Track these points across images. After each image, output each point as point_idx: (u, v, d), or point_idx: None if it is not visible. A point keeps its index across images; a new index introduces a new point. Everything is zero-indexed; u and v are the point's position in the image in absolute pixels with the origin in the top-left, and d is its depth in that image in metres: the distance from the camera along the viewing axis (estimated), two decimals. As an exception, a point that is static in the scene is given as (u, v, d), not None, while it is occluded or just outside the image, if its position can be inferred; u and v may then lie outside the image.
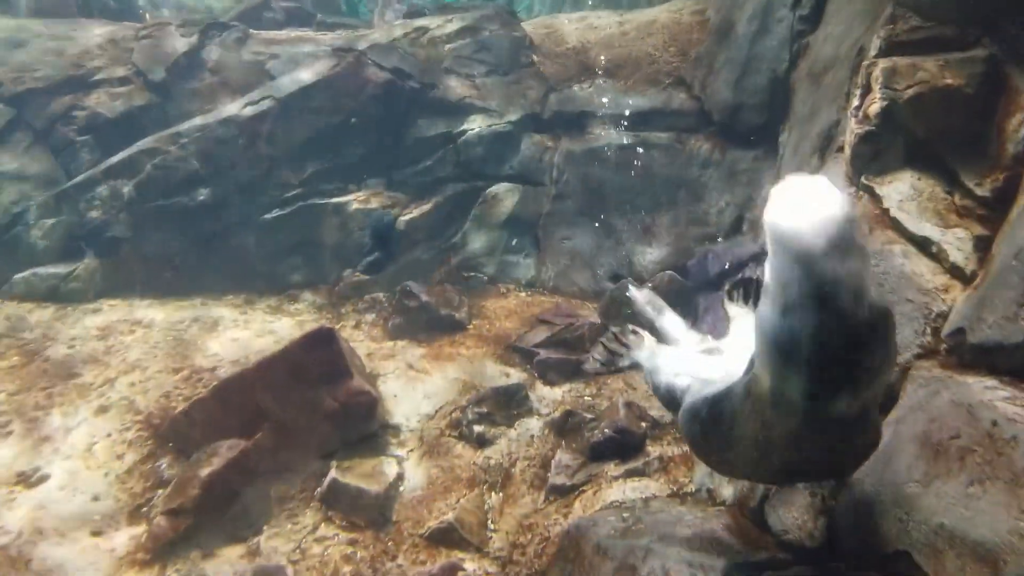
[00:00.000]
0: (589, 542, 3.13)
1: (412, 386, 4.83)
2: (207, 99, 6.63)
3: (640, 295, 3.48)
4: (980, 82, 3.36)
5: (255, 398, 4.23)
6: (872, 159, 3.59)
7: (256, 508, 3.91)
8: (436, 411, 4.56)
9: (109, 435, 4.34)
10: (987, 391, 2.61)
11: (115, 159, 6.16)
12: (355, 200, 6.26)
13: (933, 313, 3.08)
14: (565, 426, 4.29)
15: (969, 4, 3.48)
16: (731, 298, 3.12)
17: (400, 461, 4.20)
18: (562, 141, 6.20)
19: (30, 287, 5.78)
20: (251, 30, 7.29)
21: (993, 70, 3.36)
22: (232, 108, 6.34)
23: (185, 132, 6.19)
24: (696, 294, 5.11)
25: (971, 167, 3.30)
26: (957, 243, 3.18)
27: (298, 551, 3.72)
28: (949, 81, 3.40)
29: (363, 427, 4.35)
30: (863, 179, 3.60)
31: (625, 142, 5.98)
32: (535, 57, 6.59)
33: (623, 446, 3.98)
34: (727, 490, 3.52)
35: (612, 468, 3.88)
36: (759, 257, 4.61)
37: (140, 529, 3.78)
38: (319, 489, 3.99)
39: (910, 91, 3.43)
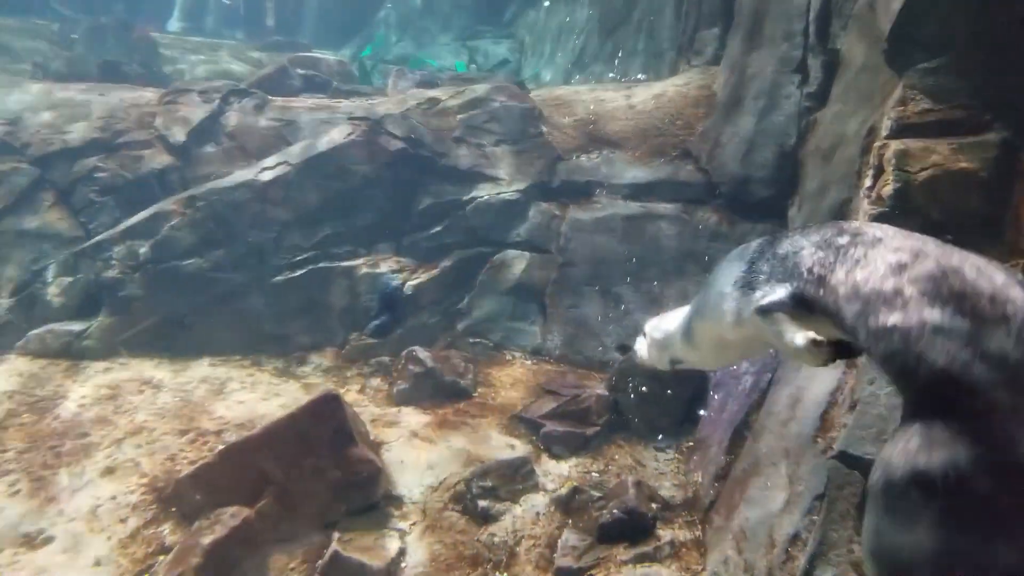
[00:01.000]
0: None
1: (416, 455, 4.73)
2: (225, 163, 6.78)
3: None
4: (994, 166, 3.38)
5: (259, 464, 4.16)
6: (884, 239, 3.59)
7: (255, 582, 3.78)
8: (440, 483, 4.44)
9: (114, 497, 4.27)
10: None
11: (134, 220, 6.27)
12: (364, 264, 6.30)
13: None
14: (572, 504, 4.16)
15: (981, 87, 3.53)
16: None
17: (403, 535, 4.06)
18: (570, 210, 6.27)
19: (44, 344, 5.83)
20: (269, 96, 7.52)
21: (1007, 154, 3.38)
22: (248, 173, 6.47)
23: (202, 195, 6.29)
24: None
25: (988, 252, 3.28)
26: (974, 326, 3.14)
27: (294, 631, 3.57)
28: (963, 165, 3.42)
29: (366, 497, 4.24)
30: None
31: (632, 212, 6.04)
32: (544, 127, 6.73)
33: (632, 528, 3.84)
34: (742, 579, 3.39)
35: (621, 551, 3.73)
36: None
37: (138, 599, 3.64)
38: (320, 562, 3.85)
39: (923, 174, 3.45)
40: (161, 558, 3.86)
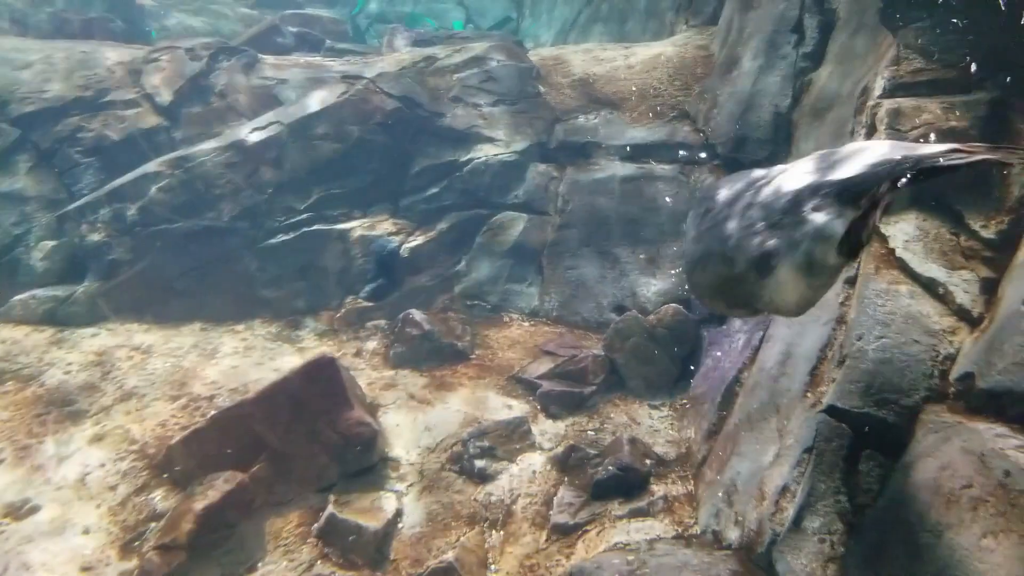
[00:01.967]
0: (592, 585, 3.06)
1: (413, 417, 4.78)
2: (214, 123, 6.68)
3: None
4: (984, 124, 3.39)
5: (253, 429, 4.18)
6: (878, 199, 3.59)
7: (251, 544, 3.84)
8: (437, 444, 4.50)
9: (103, 465, 4.27)
10: (998, 439, 2.58)
11: (119, 181, 6.17)
12: (360, 226, 6.27)
13: (941, 355, 3.06)
14: (568, 462, 4.23)
15: (973, 46, 3.52)
16: None
17: (399, 496, 4.13)
18: (568, 171, 6.22)
19: (28, 310, 5.71)
20: (260, 55, 7.36)
21: (997, 113, 3.39)
22: (239, 133, 6.37)
23: (191, 156, 6.21)
24: (700, 327, 5.08)
25: (976, 209, 3.31)
26: (963, 285, 3.17)
27: (294, 588, 3.65)
28: (953, 123, 3.43)
29: (363, 459, 4.28)
30: (870, 218, 3.60)
31: (630, 173, 6.00)
32: (542, 88, 6.64)
33: (627, 484, 3.92)
34: (733, 532, 3.47)
35: (616, 507, 3.82)
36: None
37: (131, 564, 3.69)
38: (316, 524, 3.92)
39: (914, 132, 3.46)
40: (153, 524, 3.87)
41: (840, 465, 3.03)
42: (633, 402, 4.85)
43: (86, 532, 3.87)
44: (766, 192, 2.44)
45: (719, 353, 4.59)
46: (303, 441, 4.21)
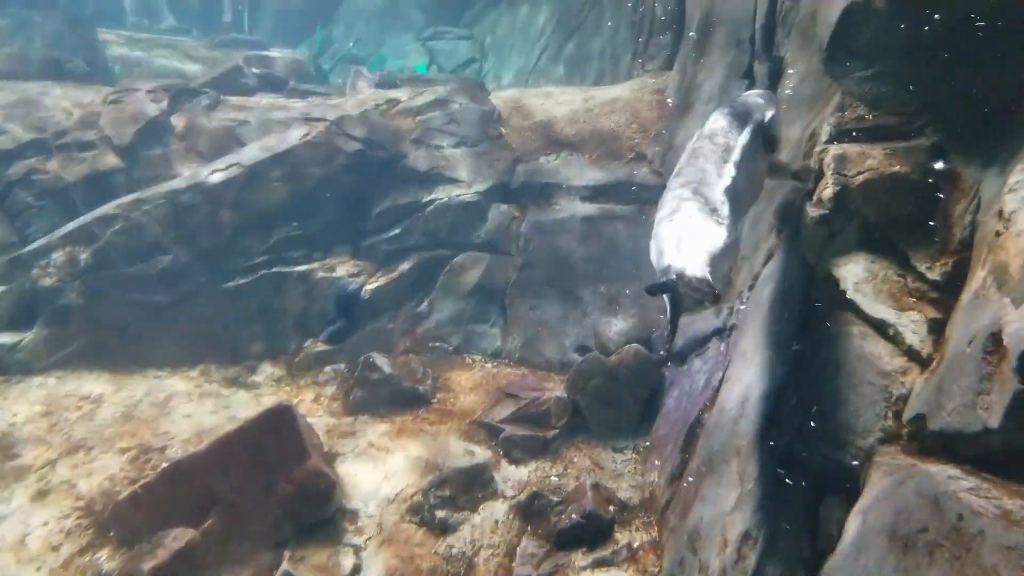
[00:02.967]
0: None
1: (372, 466, 4.65)
2: (174, 164, 6.58)
3: None
4: (925, 169, 3.50)
5: (206, 482, 4.02)
6: (827, 241, 3.67)
7: (200, 607, 3.66)
8: (396, 494, 4.38)
9: (46, 523, 4.06)
10: (951, 481, 2.59)
11: (73, 225, 6.02)
12: (320, 268, 6.19)
13: (893, 396, 3.09)
14: (531, 510, 4.15)
15: (913, 95, 3.65)
16: None
17: (357, 551, 3.99)
18: (529, 211, 6.26)
19: (-28, 358, 5.47)
20: (223, 95, 7.33)
21: (937, 158, 3.50)
22: (199, 175, 6.29)
23: (148, 198, 6.09)
24: (662, 367, 5.09)
25: (922, 251, 3.39)
26: (912, 326, 3.22)
27: (245, 652, 3.47)
28: (896, 168, 3.53)
29: (319, 512, 4.14)
30: (819, 261, 3.67)
31: (590, 213, 6.06)
32: (503, 129, 6.72)
33: (590, 532, 3.85)
34: (696, 580, 3.42)
35: (579, 557, 3.74)
36: (721, 332, 4.63)
37: (72, 630, 3.49)
38: (270, 582, 3.76)
39: (860, 177, 3.55)
40: (98, 588, 3.68)
41: (800, 510, 3.02)
42: (596, 445, 4.81)
43: (23, 598, 3.65)
44: None
45: (680, 393, 4.59)
46: (258, 494, 4.06)
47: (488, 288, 6.11)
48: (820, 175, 3.71)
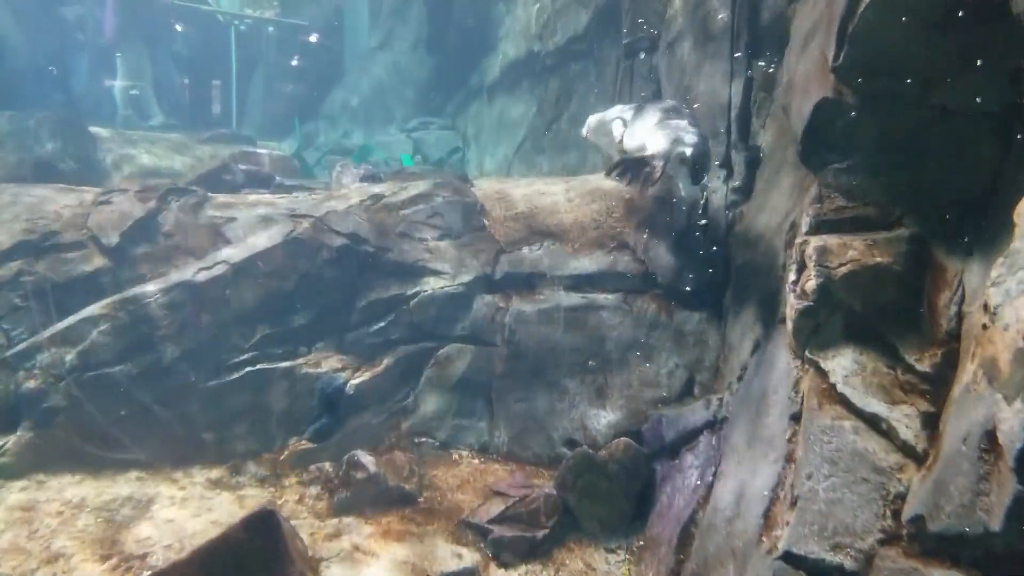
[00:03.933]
0: None
1: (357, 572, 4.44)
2: (161, 263, 6.59)
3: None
4: (906, 260, 3.54)
5: (182, 597, 3.81)
6: (813, 333, 3.68)
7: None
8: (382, 605, 4.16)
9: (10, 647, 3.81)
10: (956, 587, 2.51)
11: (60, 326, 5.95)
12: (305, 364, 6.11)
13: (891, 494, 3.03)
14: (522, 620, 3.94)
15: (890, 185, 3.73)
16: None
17: (339, 673, 3.74)
18: (513, 301, 6.28)
19: (-49, 463, 5.30)
20: (210, 193, 7.44)
21: (917, 248, 3.55)
22: (185, 273, 6.28)
23: (135, 298, 6.06)
24: (652, 461, 4.98)
25: (909, 342, 3.40)
26: (905, 420, 3.19)
27: None
28: (878, 259, 3.56)
29: (300, 628, 3.91)
30: (807, 352, 3.67)
31: (574, 303, 6.09)
32: (486, 221, 6.83)
33: (586, 644, 3.64)
34: None
35: (574, 674, 3.52)
36: (712, 424, 4.56)
37: None
38: None
39: (843, 269, 3.59)
40: None
41: (802, 618, 2.88)
42: (588, 545, 4.63)
43: None
44: None
45: (672, 489, 4.47)
46: (236, 610, 3.84)
47: (474, 381, 6.04)
48: (803, 266, 3.75)
